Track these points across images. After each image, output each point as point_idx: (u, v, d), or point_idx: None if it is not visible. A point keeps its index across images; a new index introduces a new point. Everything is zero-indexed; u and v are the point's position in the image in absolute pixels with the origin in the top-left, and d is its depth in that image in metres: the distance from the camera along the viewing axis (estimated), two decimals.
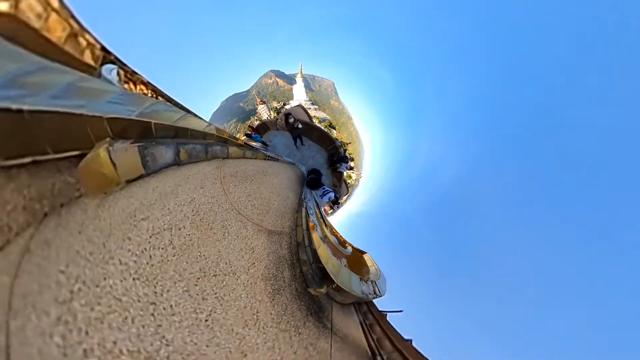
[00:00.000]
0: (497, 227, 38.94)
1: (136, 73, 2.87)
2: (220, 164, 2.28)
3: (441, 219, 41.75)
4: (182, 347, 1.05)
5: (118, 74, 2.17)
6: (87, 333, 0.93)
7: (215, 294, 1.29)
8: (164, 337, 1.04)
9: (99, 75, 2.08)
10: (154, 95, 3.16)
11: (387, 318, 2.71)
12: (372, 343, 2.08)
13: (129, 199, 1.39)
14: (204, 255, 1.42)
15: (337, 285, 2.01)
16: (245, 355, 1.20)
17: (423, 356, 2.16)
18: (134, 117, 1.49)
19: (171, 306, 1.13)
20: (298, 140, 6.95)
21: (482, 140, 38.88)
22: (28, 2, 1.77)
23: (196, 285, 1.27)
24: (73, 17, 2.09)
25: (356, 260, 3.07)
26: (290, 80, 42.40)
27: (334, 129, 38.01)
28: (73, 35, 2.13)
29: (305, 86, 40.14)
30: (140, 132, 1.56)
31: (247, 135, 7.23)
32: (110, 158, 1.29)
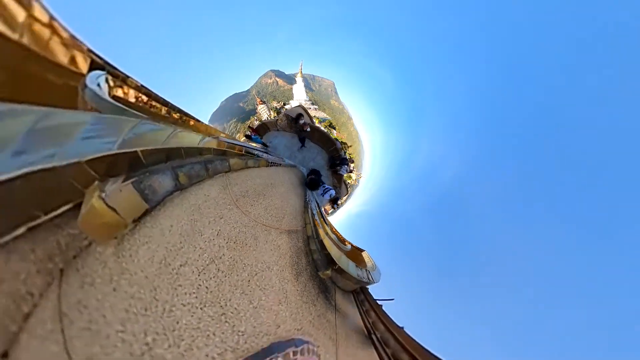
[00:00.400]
0: (497, 226, 38.97)
1: (128, 77, 2.63)
2: (225, 181, 2.35)
3: (441, 219, 41.78)
4: (252, 331, 1.42)
5: (107, 81, 2.00)
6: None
7: (259, 286, 1.69)
8: (239, 331, 1.38)
9: (84, 87, 1.84)
10: (148, 102, 2.90)
11: (383, 309, 3.04)
12: (367, 324, 2.38)
13: (149, 245, 1.43)
14: (246, 264, 1.77)
15: (339, 267, 2.41)
16: (279, 326, 1.56)
17: (414, 340, 2.38)
18: (116, 151, 1.35)
19: (235, 309, 1.47)
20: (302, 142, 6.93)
21: (482, 140, 38.92)
22: None
23: (248, 286, 1.64)
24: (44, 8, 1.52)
25: (355, 257, 3.32)
26: (290, 80, 42.38)
27: (334, 129, 37.99)
28: (49, 33, 1.61)
29: (305, 86, 40.12)
30: (129, 164, 1.46)
31: (246, 136, 7.18)
32: (107, 204, 1.23)
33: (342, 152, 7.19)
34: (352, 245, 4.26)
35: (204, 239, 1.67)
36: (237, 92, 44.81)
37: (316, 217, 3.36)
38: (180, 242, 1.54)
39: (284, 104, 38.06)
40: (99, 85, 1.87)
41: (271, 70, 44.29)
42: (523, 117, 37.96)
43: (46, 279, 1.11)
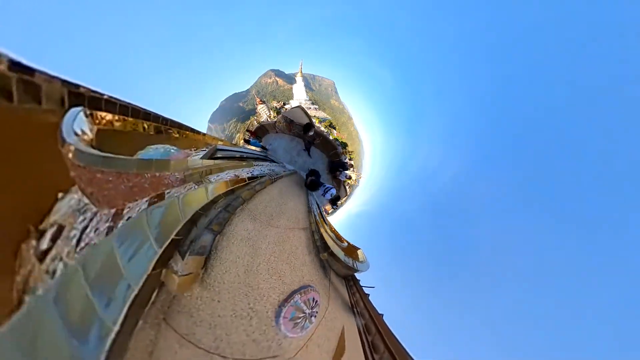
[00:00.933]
0: (497, 226, 38.97)
1: (111, 100, 2.50)
2: (249, 213, 3.02)
3: (441, 218, 41.77)
4: (290, 281, 2.43)
5: (87, 115, 1.91)
6: None
7: (293, 258, 2.72)
8: (284, 282, 2.37)
9: (63, 141, 1.76)
10: (132, 123, 2.88)
11: (369, 298, 3.87)
12: (351, 300, 3.33)
13: (225, 267, 2.10)
14: (285, 249, 2.78)
15: (331, 251, 3.28)
16: (303, 278, 2.61)
17: (385, 324, 3.21)
18: (160, 251, 1.63)
19: (283, 272, 2.47)
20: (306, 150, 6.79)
21: (482, 141, 38.85)
22: None
23: (287, 259, 2.64)
24: None
25: (350, 253, 4.03)
26: (290, 79, 42.29)
27: (334, 128, 37.91)
28: None
29: (305, 86, 40.02)
30: (175, 248, 1.80)
31: (245, 141, 7.14)
32: (185, 275, 1.73)
33: (343, 157, 7.11)
34: (348, 243, 4.96)
35: (261, 248, 2.51)
36: (237, 91, 44.68)
37: (317, 217, 4.13)
38: (246, 256, 2.30)
39: (284, 104, 37.96)
40: (81, 131, 1.96)
41: (271, 70, 44.18)
42: (523, 118, 37.92)
43: (155, 329, 1.58)
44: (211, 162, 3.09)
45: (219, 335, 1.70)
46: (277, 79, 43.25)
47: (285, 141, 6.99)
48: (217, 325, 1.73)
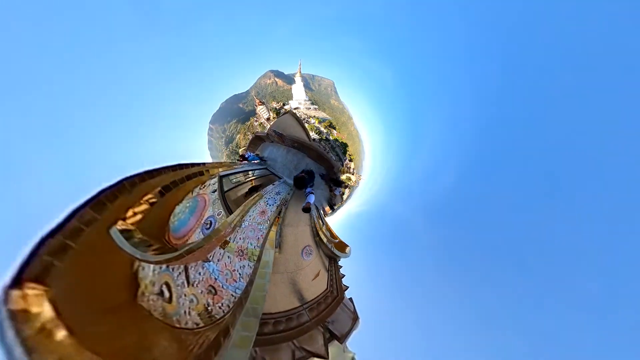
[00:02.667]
0: (497, 226, 38.95)
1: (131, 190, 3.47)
2: (287, 225, 5.67)
3: (441, 218, 41.78)
4: (303, 246, 5.89)
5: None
6: None
7: (306, 237, 6.15)
8: (299, 246, 5.62)
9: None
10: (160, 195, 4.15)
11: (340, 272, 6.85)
12: (328, 267, 6.21)
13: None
14: (302, 231, 6.11)
15: (319, 238, 5.89)
16: (308, 244, 5.92)
17: (340, 276, 6.27)
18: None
19: (301, 244, 5.90)
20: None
21: (482, 141, 38.74)
22: None
23: (303, 236, 6.04)
24: None
25: (340, 247, 6.55)
26: (290, 80, 42.27)
27: (334, 129, 37.85)
28: None
29: (304, 86, 39.99)
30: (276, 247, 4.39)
31: (242, 157, 7.25)
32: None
33: (338, 173, 7.46)
34: (339, 239, 7.00)
35: (295, 234, 5.57)
36: (237, 93, 44.71)
37: (315, 219, 6.23)
38: (291, 236, 5.41)
39: (283, 104, 37.95)
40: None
41: (270, 71, 44.16)
42: (526, 117, 37.78)
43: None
44: (238, 212, 4.04)
45: (282, 263, 4.52)
46: (277, 79, 43.21)
47: (281, 155, 7.03)
48: (279, 261, 4.27)
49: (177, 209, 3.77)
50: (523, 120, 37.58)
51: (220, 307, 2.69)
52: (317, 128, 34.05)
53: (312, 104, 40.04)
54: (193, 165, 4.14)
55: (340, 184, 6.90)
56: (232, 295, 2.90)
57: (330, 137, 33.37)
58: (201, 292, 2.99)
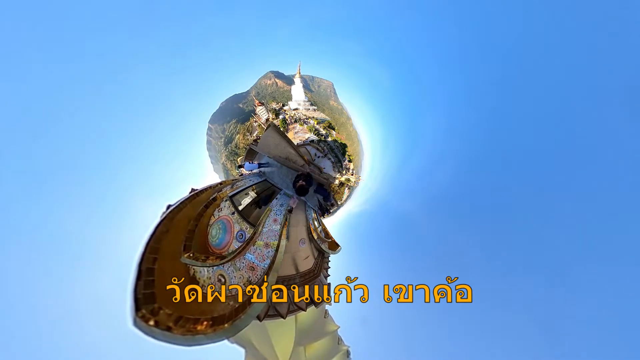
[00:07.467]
0: (496, 227, 39.16)
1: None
2: (291, 225, 6.49)
3: (441, 218, 41.97)
4: (307, 232, 7.57)
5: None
6: None
7: (301, 235, 7.40)
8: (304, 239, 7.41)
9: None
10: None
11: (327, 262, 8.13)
12: (317, 260, 7.65)
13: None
14: (302, 225, 7.51)
15: (311, 235, 7.35)
16: (304, 235, 7.39)
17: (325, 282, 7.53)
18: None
19: (302, 232, 7.46)
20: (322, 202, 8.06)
21: (482, 141, 38.95)
22: None
23: (301, 235, 7.33)
24: None
25: (332, 246, 8.05)
26: (290, 81, 42.45)
27: (333, 129, 38.00)
28: None
29: (304, 87, 40.14)
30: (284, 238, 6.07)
31: (240, 167, 7.65)
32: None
33: (329, 189, 8.26)
34: (332, 239, 8.29)
35: (296, 230, 6.97)
36: (237, 93, 44.86)
37: (310, 221, 7.47)
38: (293, 234, 6.71)
39: (283, 105, 38.08)
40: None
41: (271, 72, 44.34)
42: (523, 116, 37.95)
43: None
44: (258, 224, 5.86)
45: (288, 248, 5.69)
46: (277, 80, 43.40)
47: (276, 164, 7.29)
48: (286, 247, 5.57)
49: (212, 231, 5.73)
50: (523, 119, 37.78)
51: (256, 277, 5.07)
52: (316, 129, 34.20)
53: (312, 104, 40.18)
54: (202, 191, 6.35)
55: (329, 197, 7.42)
56: (262, 269, 5.15)
57: (329, 138, 33.50)
58: (245, 271, 5.22)
